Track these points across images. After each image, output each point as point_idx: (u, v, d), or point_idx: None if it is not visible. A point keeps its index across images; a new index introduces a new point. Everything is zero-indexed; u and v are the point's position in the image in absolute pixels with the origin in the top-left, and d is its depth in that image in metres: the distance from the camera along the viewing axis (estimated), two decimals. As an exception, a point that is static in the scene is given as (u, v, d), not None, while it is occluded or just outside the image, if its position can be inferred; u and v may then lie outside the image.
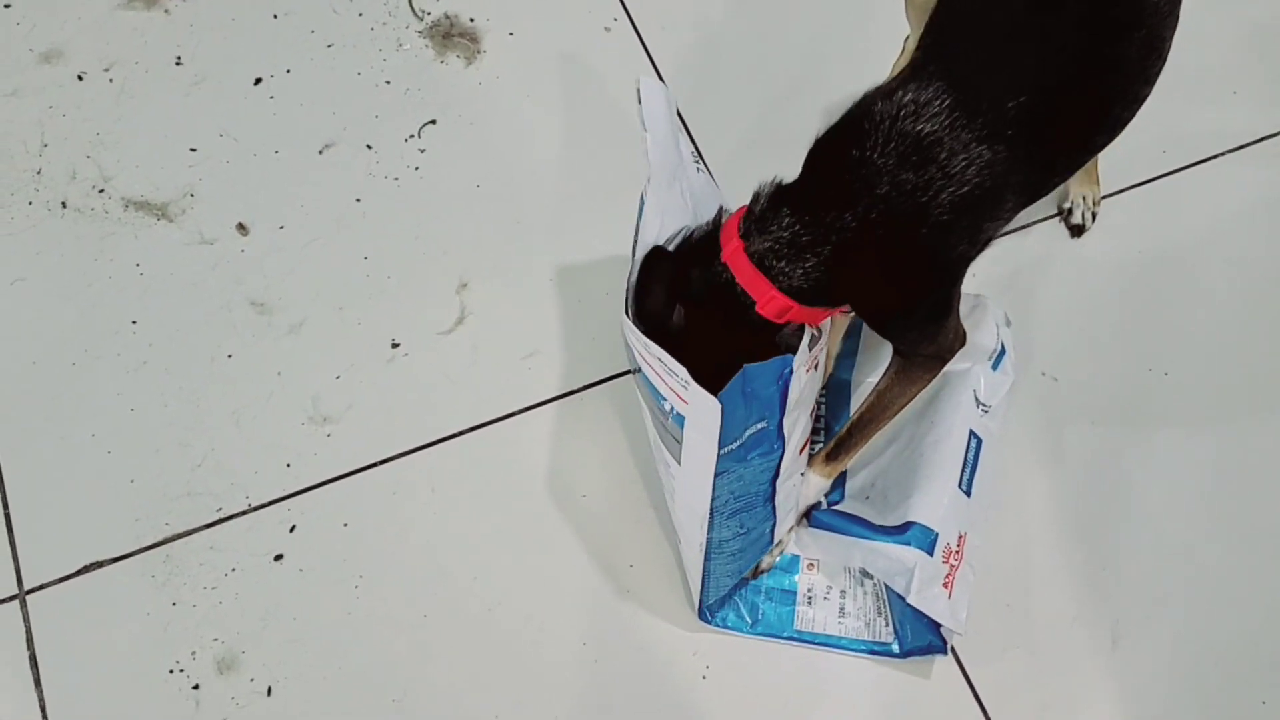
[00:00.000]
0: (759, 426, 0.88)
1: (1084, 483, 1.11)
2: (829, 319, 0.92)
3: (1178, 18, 0.90)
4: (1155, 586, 1.07)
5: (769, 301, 0.86)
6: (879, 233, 0.84)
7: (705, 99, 1.28)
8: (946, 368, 1.07)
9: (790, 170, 0.88)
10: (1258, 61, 1.35)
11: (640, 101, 0.88)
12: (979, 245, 0.89)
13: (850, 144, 0.84)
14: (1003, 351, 1.09)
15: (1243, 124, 1.29)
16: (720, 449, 0.86)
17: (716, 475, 0.89)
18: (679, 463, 0.91)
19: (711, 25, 1.34)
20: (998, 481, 1.07)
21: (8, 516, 1.09)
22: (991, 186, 0.82)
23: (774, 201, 0.87)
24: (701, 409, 0.82)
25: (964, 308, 1.09)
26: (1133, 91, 0.89)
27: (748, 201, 0.89)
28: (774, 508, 0.98)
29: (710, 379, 0.80)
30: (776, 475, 0.94)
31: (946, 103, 0.81)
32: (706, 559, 0.98)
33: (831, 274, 0.85)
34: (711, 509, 0.92)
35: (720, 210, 0.95)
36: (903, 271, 0.89)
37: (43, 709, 1.01)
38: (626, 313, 0.86)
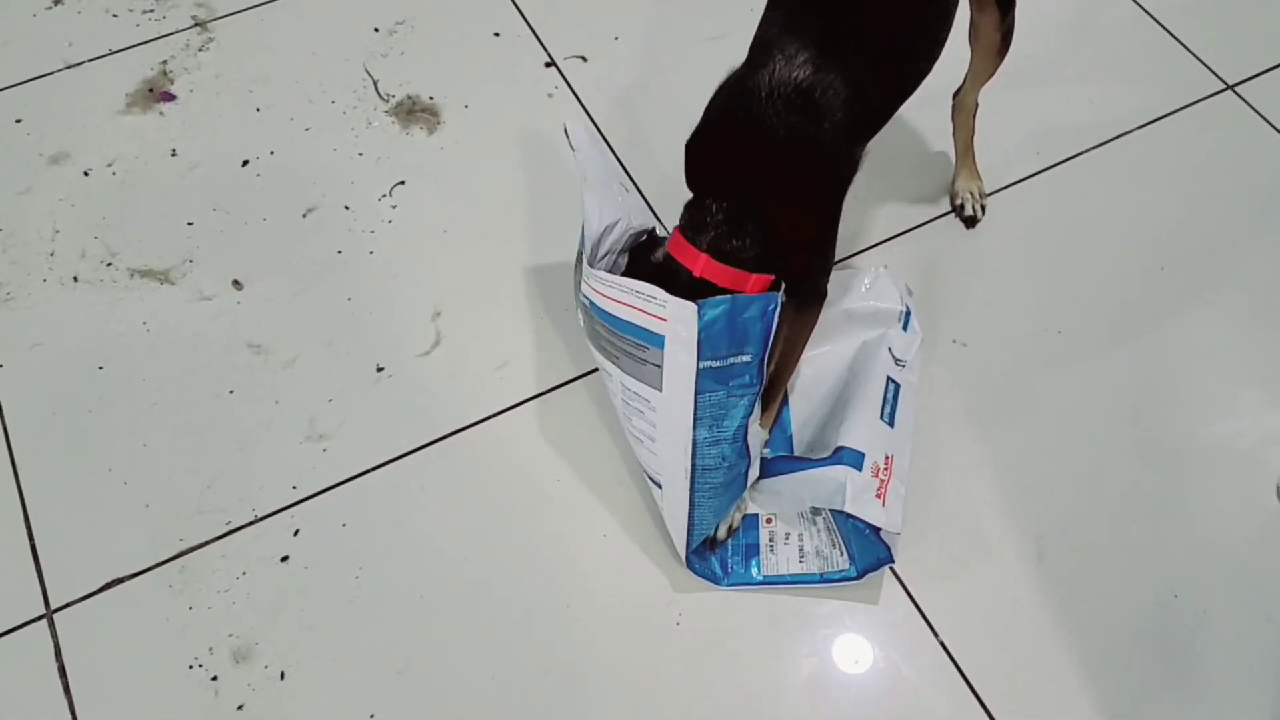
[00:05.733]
0: (742, 358, 1.00)
1: (999, 427, 1.27)
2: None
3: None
4: (1069, 507, 1.22)
5: (755, 284, 1.01)
6: (785, 171, 1.01)
7: (636, 148, 1.47)
8: (864, 335, 1.24)
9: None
10: (1107, 72, 1.60)
11: (568, 134, 1.06)
12: (854, 166, 1.06)
13: (737, 112, 1.01)
14: (908, 313, 1.26)
15: (1100, 124, 1.53)
16: (701, 360, 0.97)
17: (699, 392, 0.99)
18: (660, 389, 1.01)
19: (642, 89, 1.55)
20: (920, 427, 1.22)
21: (33, 546, 1.19)
22: (851, 115, 1.00)
23: (693, 206, 1.03)
24: (681, 317, 0.94)
25: (868, 280, 1.27)
26: (928, 44, 1.11)
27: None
28: (748, 448, 1.09)
29: None
30: (750, 414, 1.06)
31: (806, 56, 0.99)
32: (692, 489, 1.07)
33: (769, 229, 1.00)
34: (694, 430, 1.02)
35: (652, 231, 1.11)
36: (808, 199, 1.04)
37: (73, 713, 1.09)
38: (578, 273, 0.99)
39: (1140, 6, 1.67)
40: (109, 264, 1.41)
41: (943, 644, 1.13)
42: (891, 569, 1.15)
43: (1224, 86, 1.57)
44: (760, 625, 1.13)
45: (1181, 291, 1.38)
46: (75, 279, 1.39)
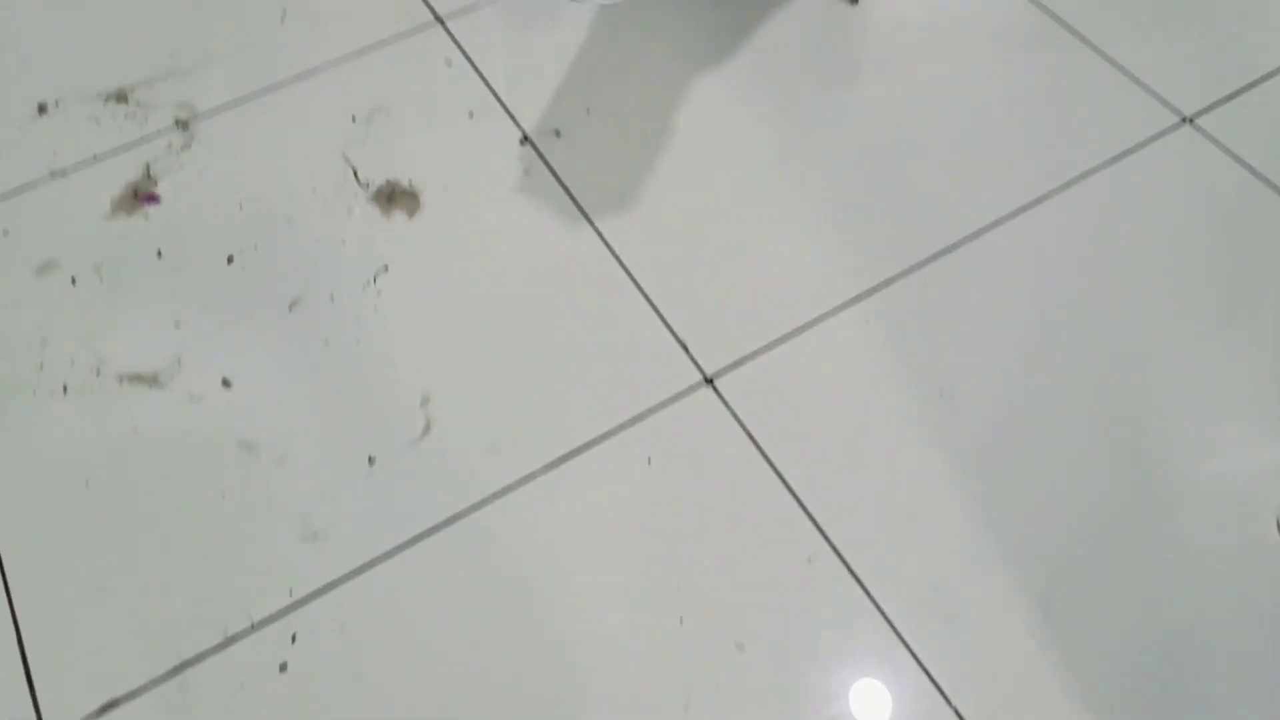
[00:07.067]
0: None
1: (993, 480, 1.23)
2: None
3: None
4: (1073, 558, 1.18)
5: None
6: None
7: (613, 216, 1.46)
8: None
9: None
10: (1062, 113, 1.57)
11: None
12: None
13: None
14: None
15: (1061, 166, 1.50)
16: None
17: None
18: None
19: (617, 160, 1.54)
20: (916, 486, 1.19)
21: (27, 669, 1.17)
22: None
23: None
24: None
25: None
26: None
27: None
28: None
29: None
30: None
31: None
32: None
33: None
34: None
35: None
36: None
37: (72, 841, 1.07)
38: None
39: (1089, 44, 1.64)
40: (98, 372, 1.40)
41: (955, 709, 1.08)
42: (899, 635, 1.11)
43: (1181, 120, 1.55)
44: (770, 704, 1.09)
45: (1158, 329, 1.35)
46: (65, 389, 1.39)
